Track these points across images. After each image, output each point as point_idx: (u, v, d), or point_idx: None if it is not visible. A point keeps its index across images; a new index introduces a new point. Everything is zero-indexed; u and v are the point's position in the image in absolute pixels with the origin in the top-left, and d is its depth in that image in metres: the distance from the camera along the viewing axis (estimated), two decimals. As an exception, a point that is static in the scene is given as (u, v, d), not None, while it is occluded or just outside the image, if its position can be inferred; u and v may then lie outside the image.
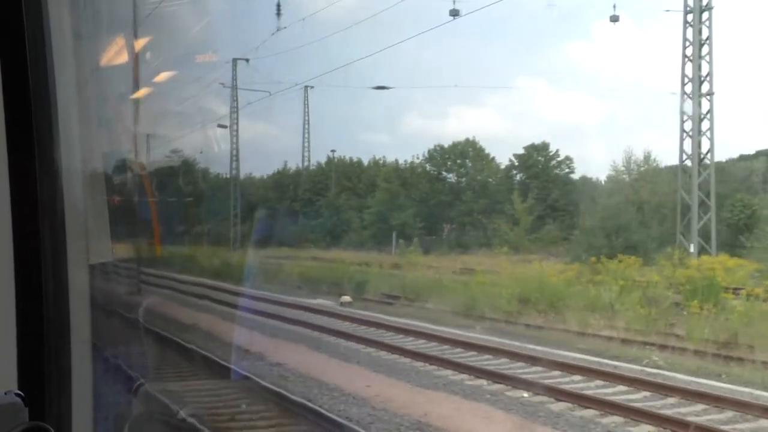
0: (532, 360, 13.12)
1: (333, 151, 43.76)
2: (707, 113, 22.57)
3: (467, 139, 40.10)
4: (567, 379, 12.01)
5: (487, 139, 48.80)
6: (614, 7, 30.97)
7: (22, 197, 1.77)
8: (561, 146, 41.16)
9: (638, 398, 10.93)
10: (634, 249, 23.37)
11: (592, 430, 9.49)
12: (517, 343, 14.83)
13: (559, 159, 39.47)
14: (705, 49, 22.38)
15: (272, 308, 18.47)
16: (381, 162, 42.94)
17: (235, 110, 38.02)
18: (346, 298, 21.78)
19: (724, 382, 11.98)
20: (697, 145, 23.16)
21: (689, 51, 21.88)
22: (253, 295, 19.66)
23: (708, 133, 23.98)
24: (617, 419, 9.82)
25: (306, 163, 44.81)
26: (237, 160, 39.20)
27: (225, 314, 17.41)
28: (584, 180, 40.33)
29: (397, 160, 42.32)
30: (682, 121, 23.31)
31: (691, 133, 23.87)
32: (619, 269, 20.11)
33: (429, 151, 41.29)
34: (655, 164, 35.06)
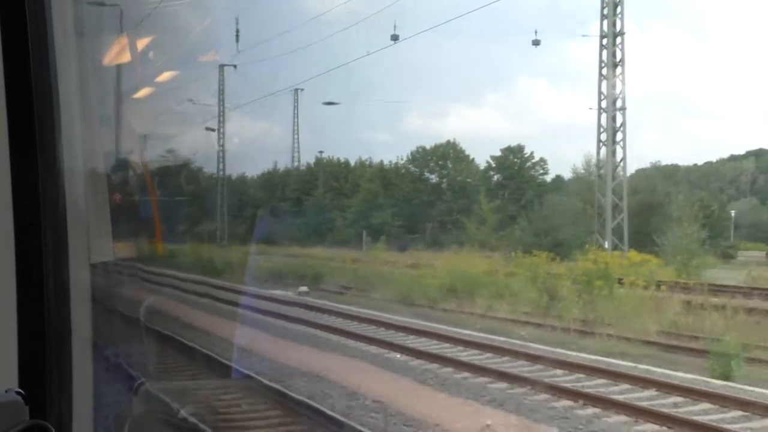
0: (432, 335, 16.03)
1: (321, 152, 45.31)
2: (621, 126, 25.16)
3: (448, 141, 41.95)
4: (452, 349, 14.76)
5: (488, 139, 49.58)
6: (536, 32, 34.04)
7: (24, 196, 1.77)
8: (559, 145, 42.12)
9: (497, 362, 13.65)
10: (560, 246, 25.86)
11: (443, 381, 12.13)
12: (430, 323, 17.53)
13: (534, 161, 41.31)
14: (618, 70, 25.04)
15: (237, 298, 20.38)
16: (367, 163, 44.56)
17: (222, 113, 39.64)
18: (303, 289, 23.87)
19: (570, 350, 14.65)
20: (612, 153, 25.98)
21: (605, 71, 24.55)
22: (224, 286, 22.46)
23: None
24: (467, 374, 12.61)
25: (296, 164, 46.20)
26: (224, 161, 40.55)
27: (195, 303, 19.75)
28: (558, 180, 41.72)
29: (381, 161, 43.94)
30: (599, 133, 26.06)
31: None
32: (532, 263, 22.55)
33: (412, 153, 42.92)
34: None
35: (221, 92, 38.63)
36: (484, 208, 34.90)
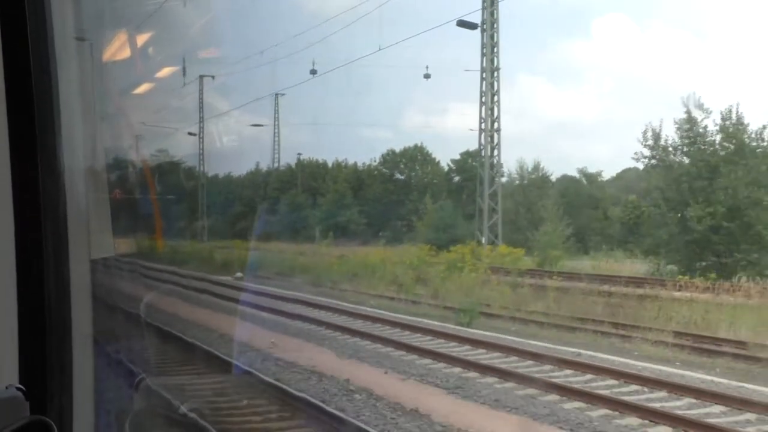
0: (317, 306, 20.75)
1: (299, 154, 49.08)
2: (497, 144, 31.31)
3: (416, 145, 45.92)
4: (322, 313, 19.47)
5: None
6: (427, 67, 39.12)
7: (24, 193, 1.78)
8: (559, 142, 44.35)
9: (346, 321, 18.51)
10: (454, 241, 30.34)
11: (311, 335, 16.47)
12: (323, 299, 22.13)
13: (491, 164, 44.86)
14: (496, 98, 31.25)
15: (190, 282, 24.95)
16: (343, 164, 48.04)
17: (202, 120, 42.85)
18: (239, 274, 26.77)
19: (398, 314, 19.53)
20: (489, 166, 31.79)
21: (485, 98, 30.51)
22: (184, 274, 27.08)
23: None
24: (324, 329, 17.23)
25: (276, 165, 49.25)
26: (203, 163, 43.69)
27: (159, 287, 23.00)
28: (510, 182, 45.22)
29: (356, 163, 47.73)
30: (480, 148, 31.91)
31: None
32: (416, 253, 28.22)
33: (383, 155, 46.36)
34: (543, 173, 43.30)
35: (201, 101, 41.71)
36: (429, 208, 39.19)
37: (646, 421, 10.02)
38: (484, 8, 29.70)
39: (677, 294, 19.21)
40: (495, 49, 30.25)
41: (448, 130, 53.76)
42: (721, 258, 21.12)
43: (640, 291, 20.10)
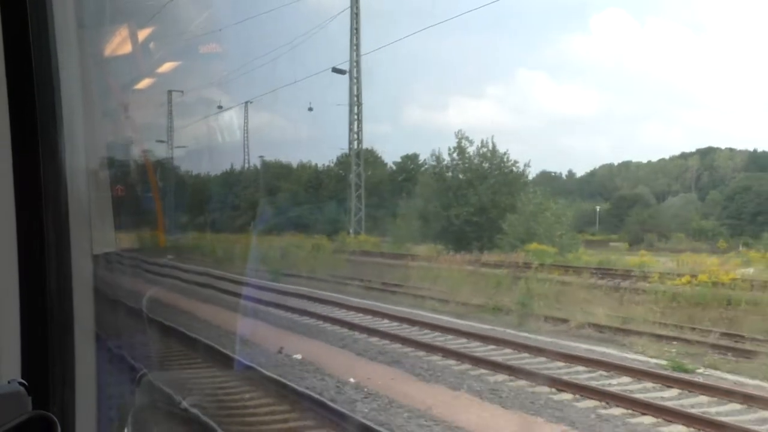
0: (220, 278, 23.08)
1: (261, 156, 53.66)
2: (359, 136, 37.50)
3: (367, 149, 49.37)
4: (218, 282, 21.92)
5: (489, 130, 51.79)
6: (310, 102, 41.70)
7: (26, 188, 1.77)
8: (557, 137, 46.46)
9: (226, 285, 20.77)
10: (338, 231, 36.17)
11: (207, 297, 18.93)
12: (229, 273, 23.86)
13: (425, 167, 48.22)
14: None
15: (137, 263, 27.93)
16: (306, 165, 52.76)
17: (171, 129, 45.68)
18: (170, 257, 29.23)
19: (284, 283, 22.35)
20: (357, 167, 37.22)
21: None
22: (135, 257, 30.13)
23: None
24: (209, 290, 20.46)
25: (246, 165, 54.16)
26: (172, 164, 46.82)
27: (120, 268, 27.32)
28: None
29: (316, 165, 52.64)
30: (351, 152, 37.75)
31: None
32: (307, 241, 33.12)
33: (338, 157, 50.16)
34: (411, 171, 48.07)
35: (170, 112, 44.09)
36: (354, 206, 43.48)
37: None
38: (351, 59, 36.62)
39: (444, 265, 25.38)
40: (357, 88, 37.59)
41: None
42: (474, 242, 30.61)
43: (413, 263, 26.55)
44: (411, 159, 50.68)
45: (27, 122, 1.78)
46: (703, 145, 50.95)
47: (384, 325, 15.74)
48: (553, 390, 10.45)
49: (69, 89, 1.93)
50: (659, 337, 13.90)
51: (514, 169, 32.79)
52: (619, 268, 22.52)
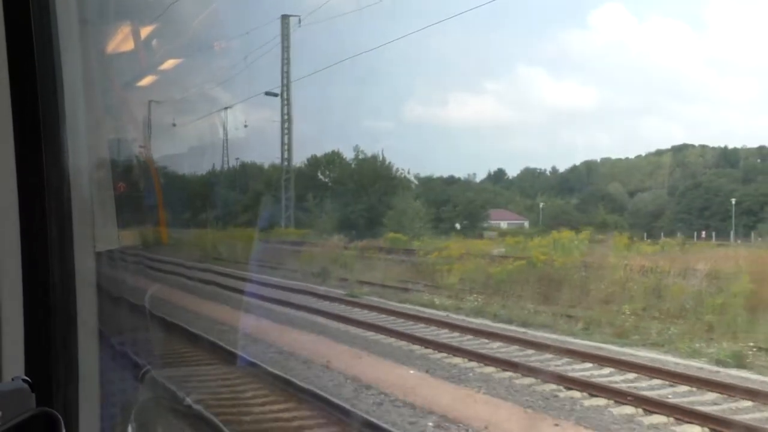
0: (164, 261, 23.01)
1: (237, 158, 55.24)
2: (289, 147, 42.37)
3: (333, 151, 53.18)
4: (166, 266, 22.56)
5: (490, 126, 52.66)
6: (245, 120, 45.87)
7: (29, 185, 1.77)
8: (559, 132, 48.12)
9: (199, 275, 22.29)
10: (273, 225, 39.35)
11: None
12: (176, 259, 24.69)
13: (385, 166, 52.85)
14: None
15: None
16: (278, 166, 53.72)
17: (150, 136, 48.43)
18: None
19: (220, 266, 25.08)
20: (287, 166, 42.79)
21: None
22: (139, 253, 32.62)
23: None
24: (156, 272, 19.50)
25: (225, 166, 56.02)
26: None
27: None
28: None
29: (287, 166, 54.59)
30: (282, 151, 42.66)
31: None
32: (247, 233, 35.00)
33: (307, 159, 53.50)
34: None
35: (149, 120, 46.97)
36: (310, 204, 46.45)
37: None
38: (282, 83, 41.17)
39: (325, 250, 30.05)
40: (288, 108, 43.22)
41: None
42: (365, 232, 36.33)
43: (305, 248, 30.98)
44: (337, 155, 55.60)
45: (30, 120, 1.78)
46: (701, 140, 51.64)
47: (245, 286, 19.79)
48: (318, 317, 16.03)
49: (71, 86, 1.93)
50: (384, 286, 21.11)
51: (398, 175, 42.52)
52: (414, 248, 29.45)
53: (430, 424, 9.04)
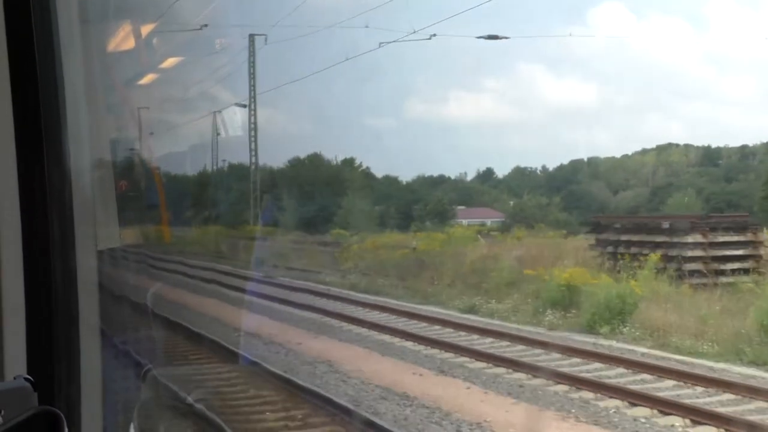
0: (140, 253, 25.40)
1: (224, 160, 55.40)
2: (255, 152, 43.38)
3: (315, 153, 54.42)
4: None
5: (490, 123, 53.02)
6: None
7: (30, 184, 1.78)
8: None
9: (172, 265, 23.44)
10: (244, 222, 41.80)
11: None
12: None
13: (362, 169, 54.04)
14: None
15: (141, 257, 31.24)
16: (263, 167, 54.90)
17: (141, 139, 50.62)
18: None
19: (176, 255, 25.59)
20: (255, 166, 43.92)
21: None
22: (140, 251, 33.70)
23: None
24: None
25: (214, 167, 57.02)
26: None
27: None
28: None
29: (271, 167, 54.77)
30: (250, 154, 43.60)
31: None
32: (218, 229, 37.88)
33: (289, 160, 54.23)
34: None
35: (140, 126, 48.60)
36: (286, 203, 48.06)
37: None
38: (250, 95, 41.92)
39: (277, 244, 31.95)
40: (254, 118, 44.62)
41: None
42: (320, 228, 39.25)
43: (263, 242, 31.82)
44: (317, 157, 58.18)
45: (31, 119, 1.78)
46: (702, 138, 51.85)
47: (193, 271, 23.85)
48: (231, 291, 19.50)
49: (73, 85, 1.93)
50: (302, 270, 24.66)
51: (352, 177, 45.82)
52: (341, 241, 32.32)
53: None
